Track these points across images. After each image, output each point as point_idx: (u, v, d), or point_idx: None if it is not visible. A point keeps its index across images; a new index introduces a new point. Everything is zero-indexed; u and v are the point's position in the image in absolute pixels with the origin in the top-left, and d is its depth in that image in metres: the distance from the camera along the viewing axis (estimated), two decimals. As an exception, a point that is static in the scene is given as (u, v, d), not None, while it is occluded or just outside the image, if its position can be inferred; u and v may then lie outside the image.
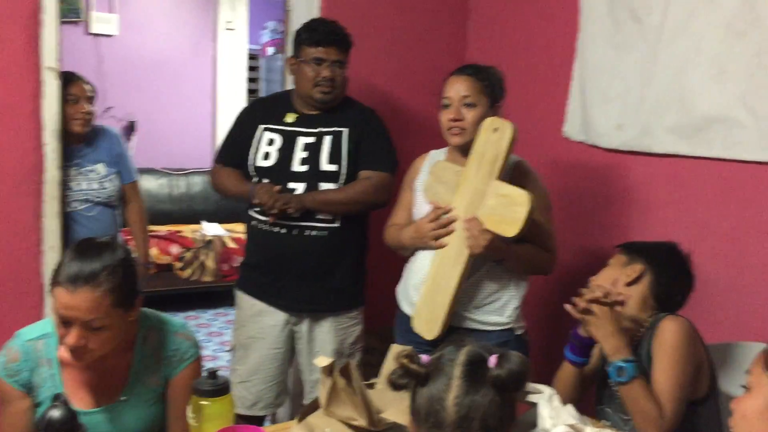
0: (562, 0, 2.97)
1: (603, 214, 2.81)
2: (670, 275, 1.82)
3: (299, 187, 2.43)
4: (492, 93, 2.16)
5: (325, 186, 2.44)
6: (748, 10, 2.19)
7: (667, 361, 1.68)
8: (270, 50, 7.47)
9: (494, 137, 2.04)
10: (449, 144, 2.21)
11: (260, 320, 2.55)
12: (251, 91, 6.69)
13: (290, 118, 2.52)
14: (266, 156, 2.48)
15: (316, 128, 2.49)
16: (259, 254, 2.55)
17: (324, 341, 2.54)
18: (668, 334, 1.71)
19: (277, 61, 7.05)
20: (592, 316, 1.71)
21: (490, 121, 2.07)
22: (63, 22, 3.81)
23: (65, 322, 1.53)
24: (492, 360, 1.15)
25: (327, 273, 2.48)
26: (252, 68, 6.80)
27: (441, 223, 2.10)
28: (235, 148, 2.59)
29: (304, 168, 2.45)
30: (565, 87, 2.93)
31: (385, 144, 2.54)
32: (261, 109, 2.63)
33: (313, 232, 2.44)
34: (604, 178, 2.80)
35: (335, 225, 2.45)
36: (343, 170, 2.45)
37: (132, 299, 1.62)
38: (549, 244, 2.18)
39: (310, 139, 2.47)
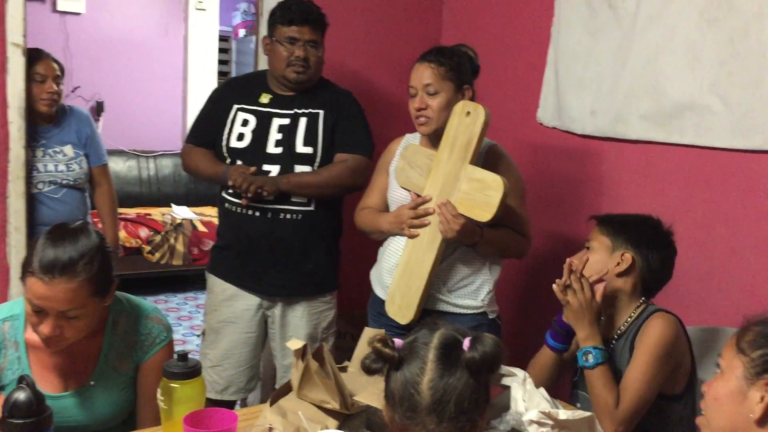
0: (537, -15, 2.97)
1: (576, 199, 2.83)
2: (659, 260, 1.81)
3: (274, 170, 2.40)
4: (458, 76, 2.12)
5: (300, 169, 2.41)
6: (721, -3, 2.21)
7: (644, 358, 1.69)
8: (242, 32, 7.37)
9: (467, 121, 2.02)
10: (419, 132, 2.19)
11: (232, 304, 2.52)
12: (222, 73, 6.60)
13: (265, 98, 2.48)
14: (240, 137, 2.45)
15: (291, 110, 2.45)
16: (232, 237, 2.51)
17: (297, 326, 2.52)
18: (653, 332, 1.71)
19: (248, 44, 6.95)
20: (572, 302, 1.72)
21: (462, 105, 2.05)
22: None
23: (39, 311, 1.50)
24: (466, 343, 1.15)
25: (301, 256, 2.46)
26: (223, 50, 6.71)
27: (418, 213, 2.08)
28: (207, 128, 2.54)
29: (279, 150, 2.41)
30: (540, 72, 2.93)
31: (361, 127, 2.51)
32: (235, 89, 2.58)
33: (288, 215, 2.41)
34: (577, 163, 2.81)
35: (309, 208, 2.43)
36: (319, 153, 2.42)
37: (108, 286, 1.59)
38: (523, 228, 2.18)
39: (285, 121, 2.44)
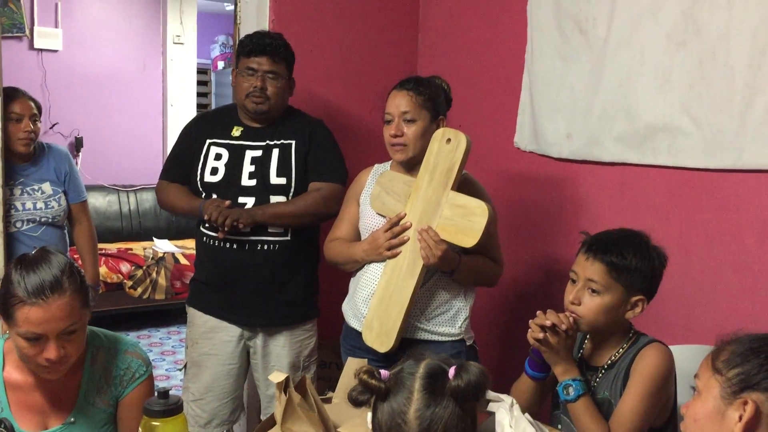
0: (510, 13, 3.01)
1: (554, 223, 2.85)
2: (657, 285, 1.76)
3: (249, 202, 2.41)
4: (434, 106, 2.15)
5: (275, 199, 2.42)
6: (688, 22, 2.25)
7: (640, 389, 1.65)
8: (220, 64, 7.42)
9: (447, 148, 2.04)
10: (394, 160, 2.21)
11: (213, 336, 2.51)
12: (201, 106, 6.63)
13: (237, 131, 2.50)
14: (214, 171, 2.46)
15: (263, 141, 2.47)
16: (211, 270, 2.51)
17: (279, 355, 2.51)
18: (649, 363, 1.67)
19: (227, 76, 6.98)
20: (552, 342, 1.68)
21: (442, 132, 2.08)
22: (5, 38, 3.72)
23: (36, 339, 1.50)
24: (451, 372, 1.16)
25: (280, 286, 2.46)
26: (202, 83, 6.74)
27: (395, 232, 2.09)
28: (181, 164, 2.55)
29: (253, 182, 2.43)
30: (516, 98, 2.96)
31: (333, 155, 2.53)
32: (207, 123, 2.60)
33: (264, 246, 2.42)
34: (555, 187, 2.84)
35: (286, 238, 2.43)
36: (293, 183, 2.44)
37: (88, 297, 1.62)
38: (496, 256, 2.20)
39: (258, 153, 2.45)
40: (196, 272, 2.63)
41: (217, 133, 2.51)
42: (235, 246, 2.41)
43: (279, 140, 2.47)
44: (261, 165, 2.44)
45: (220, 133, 2.51)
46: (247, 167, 2.44)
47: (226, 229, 2.32)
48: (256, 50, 2.42)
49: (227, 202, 2.37)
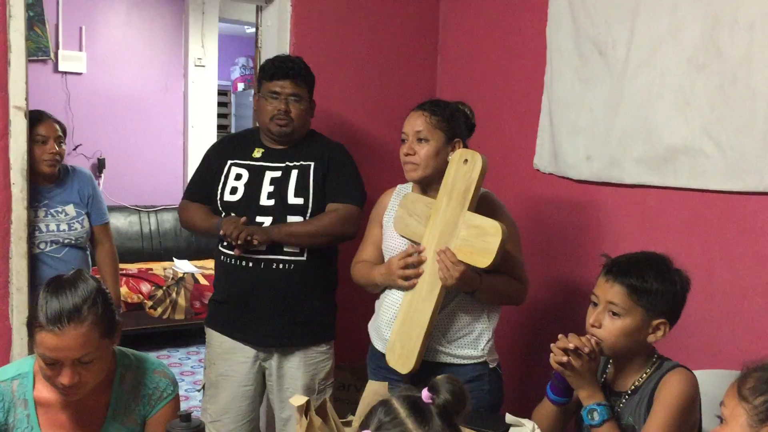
0: (529, 36, 3.03)
1: (574, 245, 2.84)
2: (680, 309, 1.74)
3: (267, 221, 2.43)
4: (449, 128, 2.16)
5: (292, 219, 2.44)
6: (709, 44, 2.25)
7: (664, 416, 1.62)
8: (240, 86, 7.50)
9: (464, 169, 2.05)
10: (407, 179, 2.22)
11: (230, 357, 2.52)
12: (222, 127, 6.70)
13: (258, 153, 2.54)
14: (233, 190, 2.49)
15: (283, 162, 2.50)
16: (227, 289, 2.53)
17: (294, 377, 2.51)
18: (674, 389, 1.65)
19: (247, 97, 7.07)
20: (576, 365, 1.66)
21: (460, 153, 2.09)
22: (31, 61, 3.79)
23: (53, 363, 1.52)
24: (425, 394, 1.16)
25: (294, 306, 2.46)
26: (222, 104, 6.81)
27: (409, 262, 2.09)
28: (203, 184, 2.59)
29: (271, 202, 2.45)
30: (535, 120, 2.97)
31: (351, 176, 2.55)
32: (229, 145, 2.64)
33: (280, 265, 2.43)
34: (575, 209, 2.83)
35: (302, 258, 2.45)
36: (310, 203, 2.45)
37: (114, 326, 1.62)
38: (520, 273, 2.19)
39: (277, 174, 2.48)
40: (214, 292, 2.65)
41: (238, 154, 2.55)
42: (250, 264, 2.43)
43: (299, 161, 2.50)
44: (280, 185, 2.46)
45: (242, 154, 2.55)
46: (266, 187, 2.47)
47: (240, 242, 2.34)
48: (279, 74, 2.46)
49: (243, 219, 2.40)
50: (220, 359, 2.53)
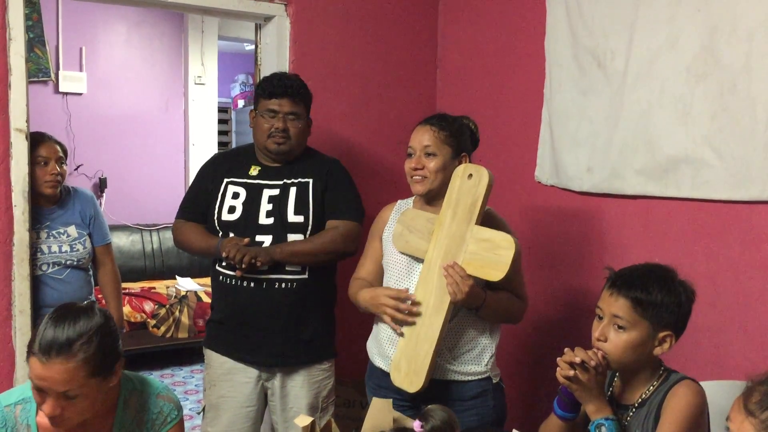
0: (528, 48, 3.04)
1: (577, 257, 2.83)
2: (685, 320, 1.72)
3: (267, 240, 2.41)
4: (456, 143, 2.16)
5: (292, 237, 2.42)
6: (708, 53, 2.25)
7: (673, 429, 1.61)
8: (240, 102, 7.52)
9: (469, 183, 2.05)
10: (413, 192, 2.22)
11: (231, 378, 2.50)
12: (222, 144, 6.71)
13: (254, 171, 2.52)
14: (231, 210, 2.47)
15: (280, 180, 2.49)
16: (227, 310, 2.50)
17: (298, 396, 2.49)
18: (682, 402, 1.64)
19: (247, 114, 7.08)
20: (582, 379, 1.64)
21: (463, 168, 2.09)
22: (31, 82, 3.81)
23: (40, 390, 1.51)
24: (416, 425, 1.17)
25: (297, 325, 2.45)
26: (222, 121, 6.83)
27: (400, 308, 2.06)
28: (198, 203, 2.57)
29: (270, 220, 2.43)
30: (535, 132, 2.97)
31: (350, 193, 2.54)
32: (224, 163, 2.62)
33: (282, 284, 2.42)
34: (577, 221, 2.83)
35: (303, 276, 2.44)
36: (310, 221, 2.44)
37: (111, 366, 1.58)
38: (520, 292, 2.18)
39: (275, 191, 2.47)
40: (212, 313, 2.61)
41: (234, 172, 2.53)
42: (252, 284, 2.41)
43: (296, 179, 2.49)
44: (278, 203, 2.45)
45: (238, 172, 2.53)
46: (265, 206, 2.45)
47: (244, 266, 2.32)
48: (277, 92, 2.46)
49: (246, 240, 2.38)
50: (221, 380, 2.51)
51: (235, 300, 2.46)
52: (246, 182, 2.50)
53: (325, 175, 2.51)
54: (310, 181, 2.49)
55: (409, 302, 2.06)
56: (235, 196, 2.49)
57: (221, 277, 2.49)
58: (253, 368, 2.49)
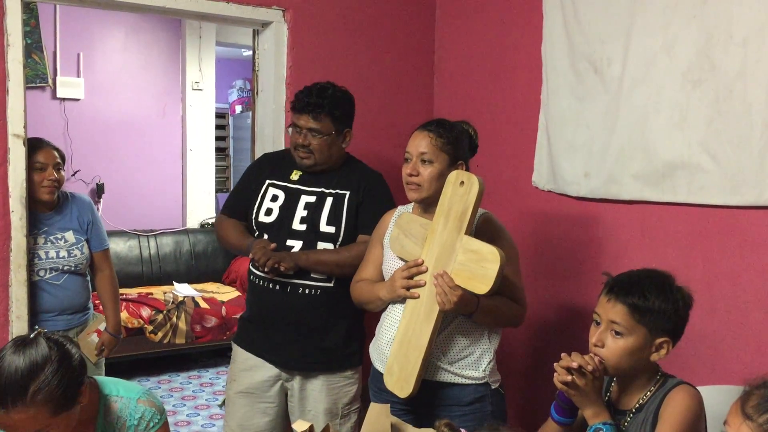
0: (524, 54, 3.05)
1: (575, 262, 2.83)
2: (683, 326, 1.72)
3: (297, 245, 2.45)
4: (454, 150, 2.15)
5: (322, 246, 2.45)
6: (704, 59, 2.26)
7: None
8: (238, 108, 7.53)
9: (461, 191, 2.03)
10: (408, 198, 2.22)
11: (252, 375, 2.55)
12: (220, 149, 6.72)
13: (295, 175, 2.56)
14: (268, 212, 2.52)
15: (318, 188, 2.51)
16: (254, 308, 2.58)
17: (316, 399, 2.51)
18: (679, 406, 1.64)
19: (245, 119, 7.09)
20: (580, 384, 1.64)
21: (455, 175, 2.06)
22: (29, 88, 3.81)
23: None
24: None
25: (319, 331, 2.47)
26: (220, 127, 6.84)
27: (411, 273, 2.08)
28: (240, 201, 2.64)
29: (303, 227, 2.47)
30: (532, 138, 2.98)
31: (385, 209, 2.46)
32: (269, 164, 2.67)
33: (306, 290, 2.45)
34: (574, 226, 2.83)
35: (329, 284, 2.47)
36: (341, 232, 2.46)
37: (74, 397, 1.54)
38: (518, 296, 2.17)
39: (312, 198, 2.50)
40: (244, 310, 2.69)
41: (276, 174, 2.58)
42: (277, 287, 2.46)
43: (335, 189, 2.51)
44: (313, 211, 2.48)
45: (280, 175, 2.57)
46: (300, 212, 2.49)
47: (266, 270, 2.37)
48: (299, 108, 2.48)
49: (273, 245, 2.42)
50: (241, 375, 2.57)
51: (261, 300, 2.53)
52: (286, 186, 2.54)
53: (363, 188, 2.52)
54: (347, 193, 2.50)
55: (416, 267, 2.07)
56: (274, 198, 2.53)
57: (252, 277, 2.56)
58: (273, 367, 2.53)
